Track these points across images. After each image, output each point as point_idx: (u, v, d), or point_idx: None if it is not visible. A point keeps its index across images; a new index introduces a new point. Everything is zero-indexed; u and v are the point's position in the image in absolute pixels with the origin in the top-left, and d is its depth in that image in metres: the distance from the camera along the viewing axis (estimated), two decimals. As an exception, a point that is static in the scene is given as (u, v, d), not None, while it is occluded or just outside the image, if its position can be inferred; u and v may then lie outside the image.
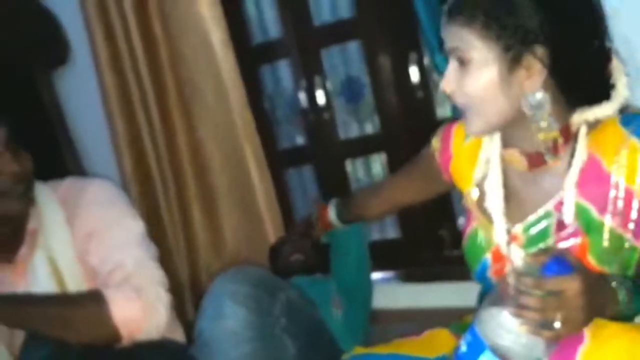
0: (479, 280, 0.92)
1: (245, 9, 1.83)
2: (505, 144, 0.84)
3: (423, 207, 1.65)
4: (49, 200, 1.07)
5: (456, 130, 0.95)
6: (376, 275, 1.64)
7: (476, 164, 0.89)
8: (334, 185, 1.79)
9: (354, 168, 1.89)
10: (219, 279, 0.86)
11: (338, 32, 1.71)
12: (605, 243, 0.77)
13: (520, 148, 0.81)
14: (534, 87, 0.74)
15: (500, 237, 0.84)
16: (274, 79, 1.90)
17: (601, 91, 0.77)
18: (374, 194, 1.23)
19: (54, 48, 1.87)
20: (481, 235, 0.88)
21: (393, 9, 1.58)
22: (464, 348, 0.76)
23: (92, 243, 1.05)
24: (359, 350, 0.93)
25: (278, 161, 1.83)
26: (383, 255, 1.68)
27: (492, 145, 0.86)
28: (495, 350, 0.71)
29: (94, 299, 0.98)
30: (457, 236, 1.65)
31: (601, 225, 0.77)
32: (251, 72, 1.79)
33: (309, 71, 1.74)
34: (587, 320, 0.69)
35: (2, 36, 1.77)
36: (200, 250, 1.82)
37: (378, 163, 1.86)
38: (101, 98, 1.80)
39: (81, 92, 1.89)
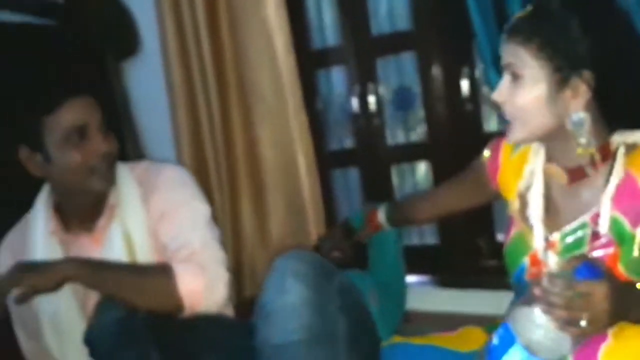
0: (515, 283, 0.98)
1: (308, 15, 1.93)
2: (549, 158, 0.91)
3: (462, 216, 1.72)
4: (127, 179, 1.18)
5: (505, 144, 1.03)
6: (413, 279, 1.71)
7: (521, 176, 0.96)
8: (378, 188, 1.86)
9: (399, 173, 1.95)
10: (281, 259, 0.94)
11: (394, 43, 1.80)
12: (636, 253, 0.84)
13: (562, 163, 0.88)
14: (577, 106, 0.83)
15: (538, 243, 0.91)
16: (329, 83, 1.99)
17: (636, 114, 0.84)
18: (425, 198, 1.30)
19: (125, 38, 1.99)
20: (521, 241, 0.95)
21: (449, 22, 1.65)
22: (495, 341, 0.83)
23: (164, 221, 1.15)
24: (397, 339, 1.01)
25: (326, 162, 1.92)
26: (421, 259, 1.74)
27: (536, 159, 0.94)
28: (525, 345, 0.78)
29: (163, 272, 1.08)
30: (494, 247, 1.71)
31: (633, 237, 0.84)
32: (308, 76, 1.89)
33: (363, 78, 1.82)
34: (611, 322, 0.75)
35: (78, 24, 1.91)
36: (247, 240, 1.92)
37: (422, 171, 1.92)
38: (167, 90, 1.92)
39: (148, 83, 2.00)
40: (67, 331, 1.16)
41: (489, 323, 1.08)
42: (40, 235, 1.18)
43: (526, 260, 0.94)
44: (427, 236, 1.93)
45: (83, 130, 1.10)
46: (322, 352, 0.88)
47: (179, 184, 1.19)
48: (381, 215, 1.33)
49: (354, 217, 1.46)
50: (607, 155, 0.86)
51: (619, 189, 0.85)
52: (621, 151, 0.85)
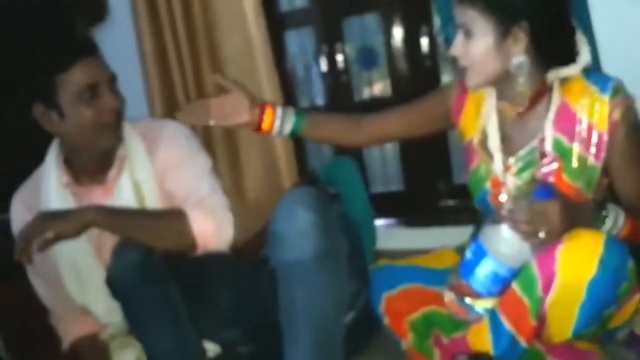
0: (480, 205, 1.15)
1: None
2: (499, 97, 1.09)
3: (423, 162, 1.88)
4: (131, 134, 1.25)
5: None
6: (381, 222, 1.88)
7: (479, 115, 1.13)
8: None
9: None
10: (289, 193, 1.07)
11: (359, 4, 1.90)
12: (574, 164, 1.01)
13: (511, 100, 1.06)
14: (518, 51, 0.98)
15: (498, 167, 1.08)
16: (298, 43, 2.08)
17: (569, 55, 1.01)
18: (371, 118, 1.28)
19: (94, 4, 1.99)
20: (483, 169, 1.12)
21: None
22: (469, 255, 1.00)
23: (171, 171, 1.23)
24: (383, 261, 1.18)
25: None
26: (387, 204, 1.92)
27: (490, 100, 1.10)
28: (495, 255, 0.96)
29: (177, 215, 1.17)
30: (452, 189, 1.89)
31: (570, 150, 1.01)
32: (277, 37, 1.98)
33: (331, 38, 1.93)
34: (563, 232, 0.93)
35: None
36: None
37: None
38: (139, 57, 1.96)
39: (120, 50, 1.96)
40: (86, 276, 1.24)
41: (457, 245, 1.24)
42: (53, 188, 1.23)
43: (488, 185, 1.10)
44: (391, 184, 2.10)
45: (94, 88, 1.16)
46: (328, 267, 1.00)
47: (181, 137, 1.27)
48: (288, 123, 1.22)
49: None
50: (544, 90, 1.02)
51: (557, 114, 1.02)
52: (556, 85, 1.02)
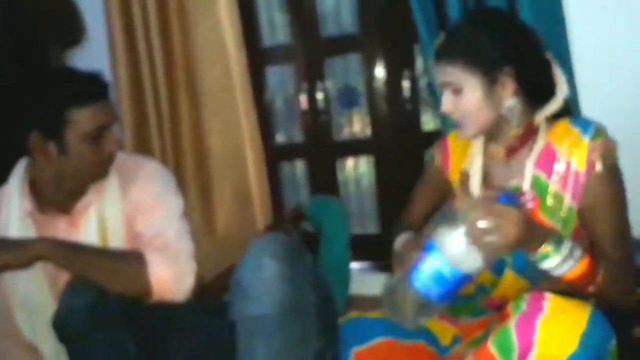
0: None
1: (258, 14, 1.99)
2: (488, 139, 1.09)
3: (400, 205, 1.86)
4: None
5: (450, 137, 1.20)
6: (355, 265, 1.83)
7: (465, 157, 1.14)
8: (324, 181, 1.97)
9: (343, 166, 2.07)
10: (256, 241, 1.01)
11: (341, 44, 1.90)
12: (550, 201, 1.02)
13: (500, 142, 1.07)
14: (508, 95, 1.01)
15: None
16: (278, 80, 2.06)
17: (550, 91, 1.04)
18: (409, 215, 1.30)
19: (68, 26, 1.95)
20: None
21: (392, 27, 1.77)
22: (422, 257, 0.93)
23: (141, 211, 1.19)
24: (353, 314, 1.12)
25: (274, 155, 2.00)
26: (363, 247, 1.87)
27: (476, 143, 1.12)
28: (442, 253, 0.91)
29: (136, 258, 1.12)
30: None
31: (547, 186, 1.02)
32: (258, 72, 1.96)
33: (312, 76, 1.92)
34: (514, 244, 0.89)
35: (20, 15, 1.87)
36: (193, 231, 1.95)
37: (365, 164, 2.04)
38: (113, 85, 1.88)
39: None
40: (38, 311, 1.18)
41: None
42: (14, 215, 1.19)
43: None
44: (368, 226, 2.06)
45: (101, 131, 1.16)
46: (295, 323, 0.95)
47: (157, 177, 1.24)
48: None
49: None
50: (532, 131, 1.04)
51: (540, 155, 1.03)
52: (542, 126, 1.04)
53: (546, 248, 0.93)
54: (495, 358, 0.90)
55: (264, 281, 0.94)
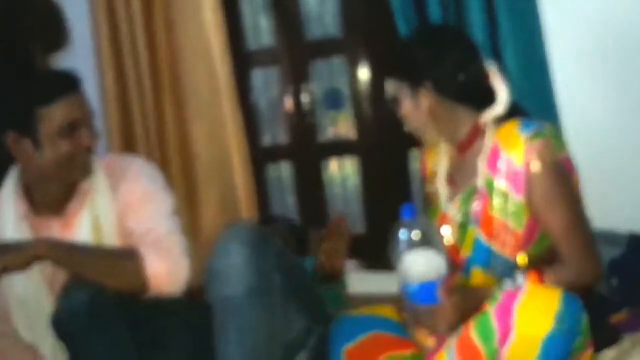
0: None
1: (242, 17, 2.01)
2: (447, 140, 1.18)
3: (385, 205, 1.89)
4: (97, 169, 1.23)
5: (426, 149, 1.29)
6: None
7: (434, 160, 1.23)
8: (309, 182, 1.99)
9: (328, 167, 2.09)
10: (227, 230, 1.10)
11: (325, 47, 1.94)
12: (497, 199, 1.08)
13: (451, 141, 1.16)
14: (431, 104, 1.12)
15: (442, 201, 1.17)
16: (264, 82, 2.08)
17: (489, 98, 1.11)
18: None
19: (52, 29, 1.92)
20: (434, 207, 1.20)
21: (376, 31, 1.80)
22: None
23: (133, 209, 1.20)
24: (350, 312, 1.21)
25: (260, 157, 2.01)
26: (350, 247, 1.89)
27: (442, 145, 1.20)
28: (414, 280, 1.00)
29: (131, 254, 1.14)
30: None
31: (494, 185, 1.09)
32: (243, 75, 1.98)
33: (297, 78, 1.94)
34: (461, 321, 1.01)
35: (2, 18, 1.86)
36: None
37: (350, 165, 2.07)
38: (98, 89, 1.91)
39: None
40: (36, 310, 1.18)
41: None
42: (9, 219, 1.20)
43: (437, 221, 1.17)
44: (353, 226, 2.09)
45: (75, 125, 1.16)
46: (260, 302, 1.02)
47: (147, 175, 1.26)
48: None
49: None
50: (478, 131, 1.12)
51: (490, 154, 1.10)
52: (490, 126, 1.12)
53: (492, 293, 1.02)
54: (476, 344, 0.97)
55: (231, 266, 1.02)
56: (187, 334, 1.17)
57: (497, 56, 1.52)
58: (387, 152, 1.88)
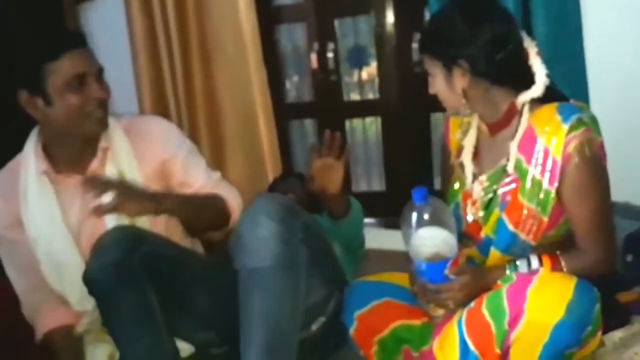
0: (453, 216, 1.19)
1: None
2: (480, 117, 1.15)
3: (405, 165, 1.90)
4: (114, 127, 1.27)
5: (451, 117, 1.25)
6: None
7: (462, 132, 1.20)
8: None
9: (352, 126, 2.11)
10: (257, 200, 1.11)
11: (351, 5, 1.90)
12: (528, 185, 1.06)
13: (485, 120, 1.13)
14: (466, 85, 1.07)
15: (468, 180, 1.16)
16: (289, 39, 2.07)
17: (527, 79, 1.07)
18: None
19: None
20: (457, 183, 1.19)
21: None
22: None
23: (179, 164, 1.29)
24: (363, 278, 1.23)
25: (284, 113, 2.03)
26: (370, 204, 1.93)
27: (472, 120, 1.17)
28: (426, 258, 1.02)
29: (216, 196, 1.30)
30: (432, 192, 1.91)
31: (527, 171, 1.06)
32: (269, 31, 1.97)
33: (322, 36, 1.93)
34: (472, 297, 1.03)
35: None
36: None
37: (374, 125, 2.08)
38: (128, 38, 1.93)
39: (109, 30, 1.97)
40: (63, 262, 1.24)
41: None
42: (32, 176, 1.23)
43: (459, 198, 1.17)
44: (374, 184, 2.12)
45: (82, 78, 1.18)
46: (286, 275, 1.05)
47: (175, 132, 1.33)
48: None
49: None
50: (514, 112, 1.09)
51: (522, 137, 1.07)
52: (526, 109, 1.08)
53: (505, 275, 1.04)
54: (487, 319, 0.99)
55: (259, 238, 1.05)
56: (210, 294, 1.22)
57: (527, 22, 1.49)
58: (409, 114, 1.88)
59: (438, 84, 1.10)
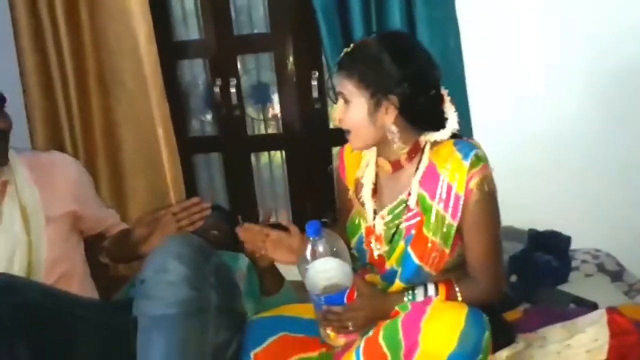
0: (357, 250, 1.22)
1: (170, 8, 1.99)
2: (379, 154, 1.17)
3: (310, 200, 1.94)
4: (15, 161, 1.25)
5: (346, 148, 1.27)
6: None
7: (359, 167, 1.21)
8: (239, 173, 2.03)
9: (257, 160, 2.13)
10: (166, 241, 1.06)
11: (254, 43, 1.96)
12: (433, 219, 1.09)
13: (387, 157, 1.15)
14: (389, 121, 1.07)
15: (369, 216, 1.16)
16: (191, 74, 2.07)
17: (438, 122, 1.10)
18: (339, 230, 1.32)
19: None
20: (357, 218, 1.19)
21: (302, 33, 1.84)
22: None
23: (86, 210, 1.34)
24: (260, 315, 1.21)
25: (188, 148, 2.02)
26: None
27: (370, 155, 1.19)
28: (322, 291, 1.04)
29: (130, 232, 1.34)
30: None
31: (431, 207, 1.10)
32: (171, 66, 1.97)
33: (225, 72, 1.95)
34: (373, 318, 1.06)
35: None
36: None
37: (279, 158, 2.11)
38: (19, 72, 1.84)
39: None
40: None
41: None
42: None
43: (363, 232, 1.18)
44: (281, 216, 2.14)
45: None
46: (194, 322, 1.01)
47: (77, 165, 1.37)
48: None
49: None
50: (417, 150, 1.11)
51: (424, 174, 1.10)
52: (427, 147, 1.11)
53: (403, 302, 1.08)
54: (384, 350, 1.01)
55: (168, 283, 1.00)
56: (103, 344, 1.14)
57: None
58: (311, 147, 1.94)
59: (357, 113, 1.07)
